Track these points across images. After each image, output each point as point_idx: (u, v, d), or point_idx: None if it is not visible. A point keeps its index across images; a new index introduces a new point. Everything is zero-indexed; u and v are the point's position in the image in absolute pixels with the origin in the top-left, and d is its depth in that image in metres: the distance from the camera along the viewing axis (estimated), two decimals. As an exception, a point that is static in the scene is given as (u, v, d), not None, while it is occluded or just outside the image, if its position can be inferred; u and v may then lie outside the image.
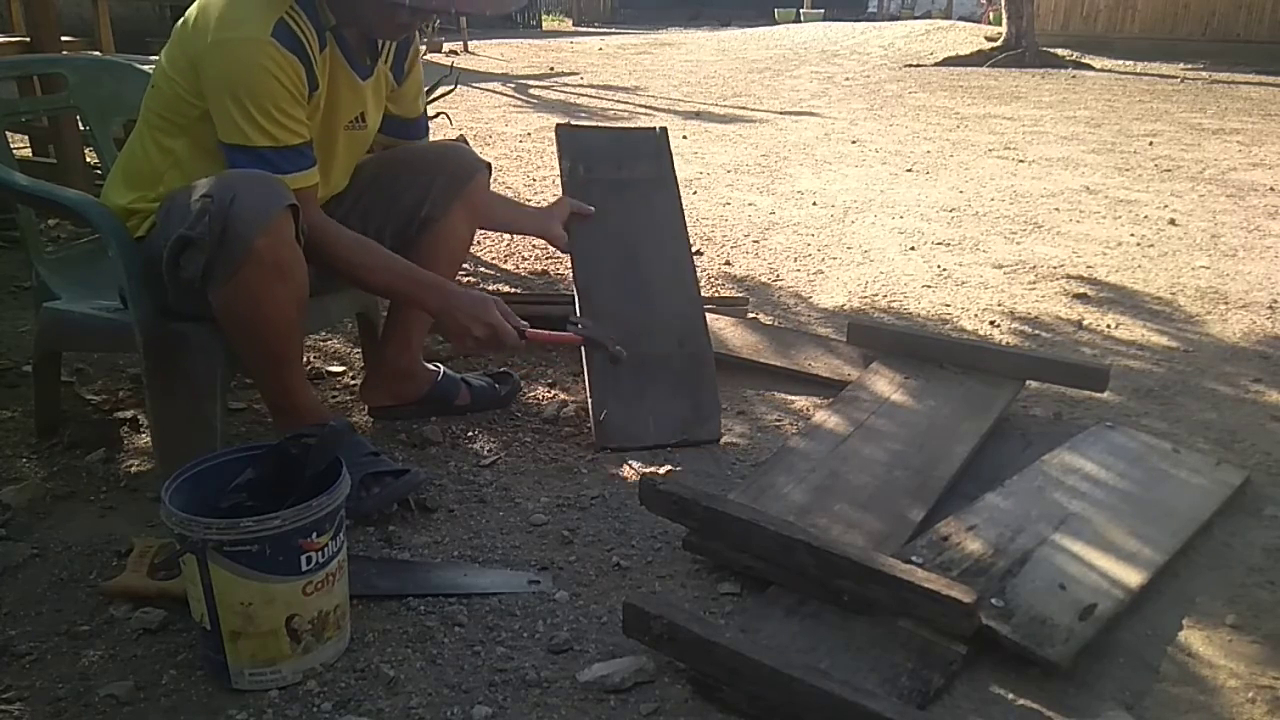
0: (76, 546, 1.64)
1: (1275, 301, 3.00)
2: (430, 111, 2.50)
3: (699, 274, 3.17)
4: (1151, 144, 5.78)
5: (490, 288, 2.91)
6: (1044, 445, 1.95)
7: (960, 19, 16.07)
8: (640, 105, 7.46)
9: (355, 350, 2.50)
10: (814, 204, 4.23)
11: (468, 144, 2.23)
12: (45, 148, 3.73)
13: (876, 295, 3.05)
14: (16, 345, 2.45)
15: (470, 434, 2.08)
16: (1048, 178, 4.80)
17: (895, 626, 1.38)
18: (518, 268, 3.27)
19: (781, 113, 7.10)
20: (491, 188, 2.11)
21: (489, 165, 2.06)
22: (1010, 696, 1.33)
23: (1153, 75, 9.90)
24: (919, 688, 1.30)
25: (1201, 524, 1.71)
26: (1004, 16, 11.66)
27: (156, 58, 1.73)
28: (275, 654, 1.30)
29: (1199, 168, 5.06)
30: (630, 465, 1.95)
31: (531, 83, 8.84)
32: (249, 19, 1.57)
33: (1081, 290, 3.09)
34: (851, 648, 1.37)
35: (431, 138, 2.17)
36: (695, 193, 4.38)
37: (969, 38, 12.93)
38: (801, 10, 18.26)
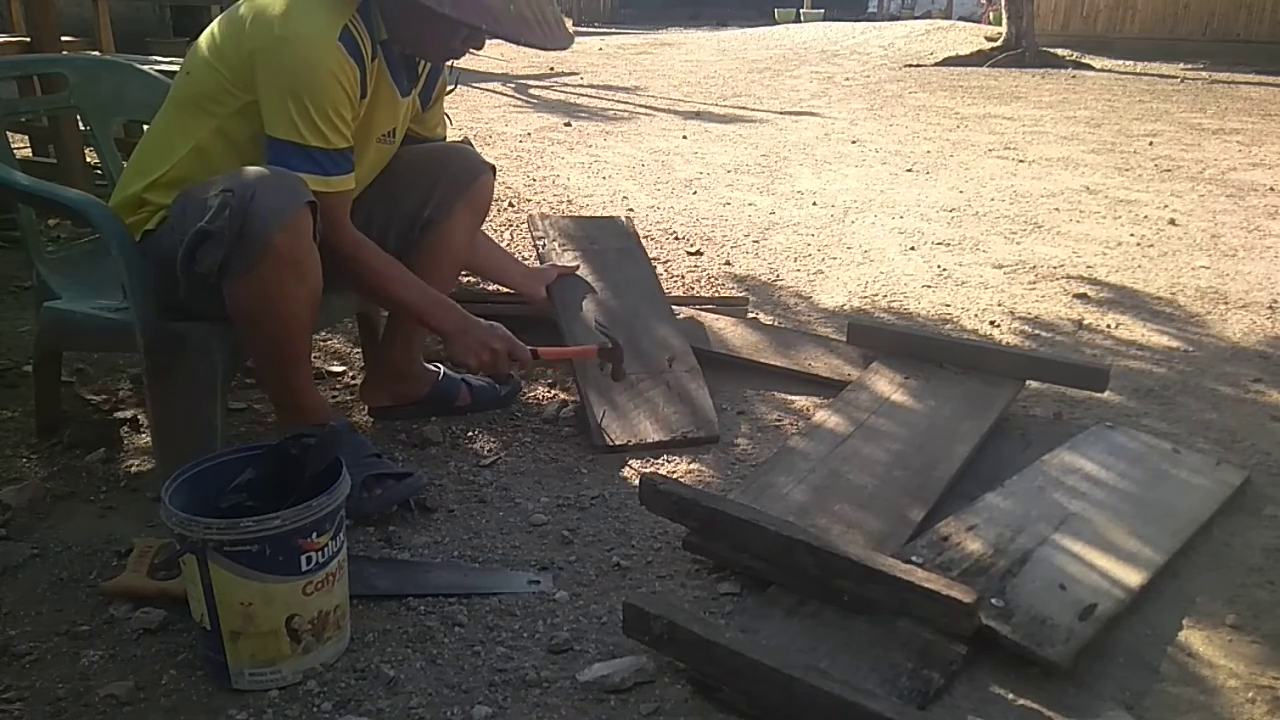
0: (76, 546, 1.64)
1: (1275, 301, 3.00)
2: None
3: (699, 274, 3.19)
4: (1151, 144, 5.78)
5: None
6: (1044, 445, 1.95)
7: (960, 19, 16.05)
8: (640, 105, 7.46)
9: (356, 350, 2.50)
10: (814, 204, 4.23)
11: (471, 145, 2.24)
12: (45, 148, 3.74)
13: (876, 295, 3.05)
14: (16, 345, 2.45)
15: (470, 434, 2.08)
16: (1048, 178, 4.80)
17: (895, 626, 1.38)
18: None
19: (781, 113, 7.10)
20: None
21: (493, 168, 2.06)
22: (1010, 696, 1.33)
23: (1153, 75, 9.89)
24: (919, 688, 1.30)
25: (1201, 524, 1.71)
26: (1004, 16, 11.65)
27: (157, 58, 1.73)
28: (275, 654, 1.30)
29: (1199, 168, 5.06)
30: (630, 465, 1.95)
31: (531, 83, 8.84)
32: (317, 21, 1.59)
33: (1081, 290, 3.09)
34: (851, 648, 1.37)
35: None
36: (695, 193, 4.38)
37: (969, 38, 12.92)
38: (801, 10, 18.24)
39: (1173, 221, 3.96)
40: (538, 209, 3.97)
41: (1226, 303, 3.00)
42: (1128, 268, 3.34)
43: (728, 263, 3.35)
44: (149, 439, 1.98)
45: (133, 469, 1.90)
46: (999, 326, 2.78)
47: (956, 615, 1.33)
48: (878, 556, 1.44)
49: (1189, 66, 10.60)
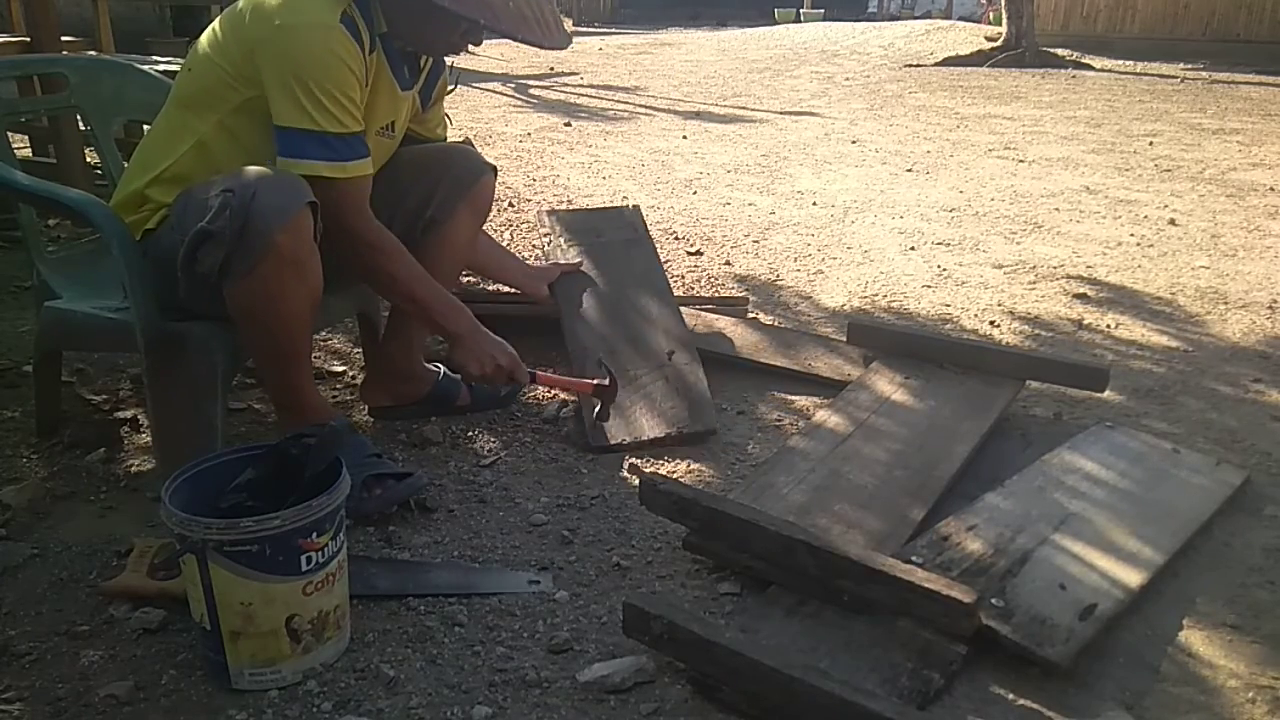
0: (76, 546, 1.64)
1: (1275, 301, 3.00)
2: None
3: (699, 274, 3.19)
4: (1151, 144, 5.78)
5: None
6: (1044, 445, 1.95)
7: (960, 19, 16.04)
8: (640, 105, 7.46)
9: (356, 350, 2.50)
10: (814, 204, 4.23)
11: (472, 145, 2.24)
12: (45, 148, 3.74)
13: (877, 295, 3.05)
14: (16, 345, 2.45)
15: (470, 434, 2.08)
16: (1048, 178, 4.80)
17: (895, 626, 1.38)
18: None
19: (781, 113, 7.09)
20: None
21: (495, 168, 2.06)
22: (1010, 696, 1.33)
23: (1153, 75, 9.89)
24: (919, 688, 1.30)
25: (1201, 524, 1.71)
26: (1004, 16, 11.65)
27: (157, 58, 1.74)
28: (275, 654, 1.30)
29: (1199, 168, 5.06)
30: (630, 465, 1.95)
31: (531, 83, 8.84)
32: (316, 7, 1.59)
33: (1081, 290, 3.09)
34: (851, 648, 1.37)
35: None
36: (695, 193, 4.38)
37: (969, 38, 12.92)
38: (801, 10, 18.24)
39: (1173, 221, 3.96)
40: (538, 208, 3.96)
41: (1226, 303, 3.00)
42: (1128, 268, 3.34)
43: (728, 262, 3.35)
44: (149, 439, 1.98)
45: (133, 469, 1.90)
46: (999, 326, 2.78)
47: (956, 615, 1.33)
48: (878, 556, 1.44)
49: (1189, 66, 10.60)
